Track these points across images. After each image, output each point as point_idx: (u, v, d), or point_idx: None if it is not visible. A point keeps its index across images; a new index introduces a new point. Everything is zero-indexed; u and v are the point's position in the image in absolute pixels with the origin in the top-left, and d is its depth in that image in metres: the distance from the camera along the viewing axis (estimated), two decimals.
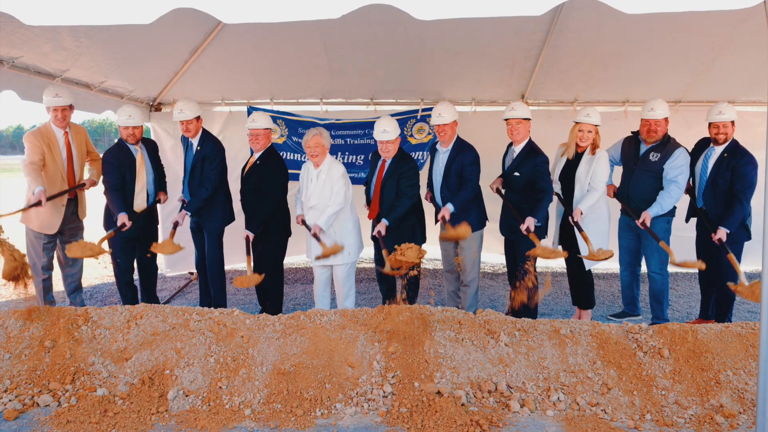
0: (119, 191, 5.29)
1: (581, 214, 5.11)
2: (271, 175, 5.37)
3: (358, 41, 5.89)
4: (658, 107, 5.24)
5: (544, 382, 3.65)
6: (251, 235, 5.24)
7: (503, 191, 5.50)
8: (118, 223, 5.08)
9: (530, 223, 4.97)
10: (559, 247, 5.55)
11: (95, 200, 5.92)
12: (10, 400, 3.53)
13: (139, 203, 5.42)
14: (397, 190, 5.14)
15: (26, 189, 5.28)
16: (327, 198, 5.06)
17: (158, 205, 5.84)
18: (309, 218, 5.11)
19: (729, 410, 3.43)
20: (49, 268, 5.50)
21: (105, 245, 4.92)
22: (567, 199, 5.32)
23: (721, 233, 5.00)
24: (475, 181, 5.22)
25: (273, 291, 5.67)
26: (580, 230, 5.04)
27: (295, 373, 3.68)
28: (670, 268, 5.27)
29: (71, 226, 5.54)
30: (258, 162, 5.45)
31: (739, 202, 5.00)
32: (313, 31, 5.63)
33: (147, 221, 5.60)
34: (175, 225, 5.38)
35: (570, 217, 5.15)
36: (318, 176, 5.08)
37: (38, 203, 4.98)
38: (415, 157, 7.08)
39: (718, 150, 5.18)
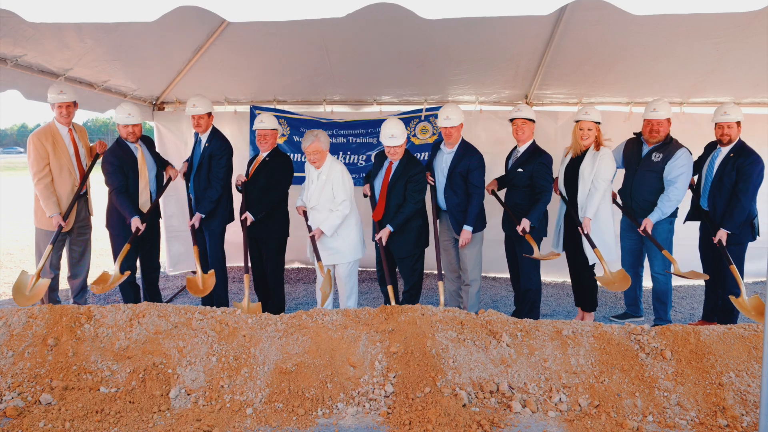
0: (125, 193, 5.33)
1: (590, 221, 5.17)
2: (279, 171, 5.41)
3: (362, 42, 5.89)
4: (661, 108, 5.27)
5: (546, 382, 3.65)
6: (250, 217, 5.25)
7: (498, 193, 5.57)
8: (132, 228, 5.17)
9: (525, 224, 5.08)
10: (562, 253, 5.58)
11: (98, 199, 5.94)
12: (12, 398, 3.54)
13: (143, 202, 5.45)
14: (404, 194, 5.14)
15: (36, 201, 5.41)
16: (327, 200, 5.06)
17: (161, 205, 5.88)
18: (312, 219, 5.13)
19: (731, 412, 3.42)
20: (56, 267, 5.55)
21: (117, 268, 5.06)
22: (571, 199, 5.33)
23: (721, 234, 5.02)
24: (482, 187, 5.28)
25: (275, 291, 5.70)
26: (593, 246, 5.12)
27: (296, 372, 3.68)
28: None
29: (81, 224, 5.62)
30: (267, 159, 5.49)
31: (738, 201, 5.03)
32: (317, 32, 5.63)
33: (150, 219, 5.61)
34: (193, 230, 5.43)
35: (580, 228, 5.19)
36: (318, 177, 5.09)
37: (60, 228, 5.24)
38: (419, 158, 7.08)
39: (724, 150, 5.22)
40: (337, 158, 7.25)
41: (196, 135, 5.64)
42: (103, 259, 8.86)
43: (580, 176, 5.23)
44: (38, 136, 5.32)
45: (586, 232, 5.16)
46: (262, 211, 5.33)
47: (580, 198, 5.24)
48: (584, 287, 5.53)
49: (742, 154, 5.11)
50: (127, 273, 5.14)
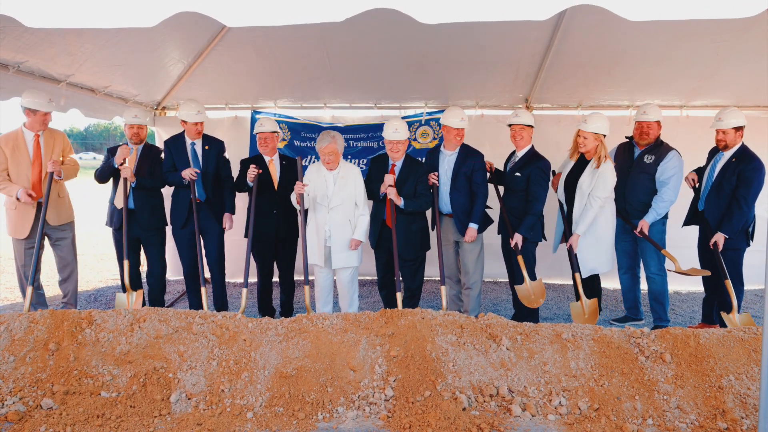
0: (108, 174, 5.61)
1: (578, 238, 5.21)
2: (295, 176, 5.41)
3: (362, 47, 5.92)
4: (651, 111, 5.37)
5: (546, 386, 3.65)
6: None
7: (500, 191, 5.56)
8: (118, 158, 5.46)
9: (518, 239, 5.10)
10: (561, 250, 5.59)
11: (98, 199, 5.95)
12: (13, 403, 3.55)
13: (117, 199, 5.49)
14: (415, 193, 5.20)
15: (7, 210, 5.39)
16: (349, 200, 5.09)
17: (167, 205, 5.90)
18: (330, 220, 5.11)
19: (731, 415, 3.43)
20: (30, 277, 5.18)
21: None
22: (569, 205, 5.33)
23: (718, 237, 5.04)
24: (486, 187, 5.34)
25: (288, 294, 5.95)
26: (575, 270, 5.14)
27: (297, 376, 3.69)
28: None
29: (52, 228, 5.50)
30: (284, 163, 5.65)
31: (739, 207, 5.03)
32: (317, 36, 5.66)
33: (151, 219, 5.68)
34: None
35: (567, 243, 5.23)
36: (336, 180, 5.10)
37: (39, 208, 5.18)
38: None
39: (726, 155, 5.22)
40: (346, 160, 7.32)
41: (180, 142, 5.60)
42: (104, 264, 8.89)
43: (578, 188, 5.22)
44: None
45: (574, 251, 5.17)
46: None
47: (575, 212, 5.24)
48: (589, 291, 5.52)
49: (744, 159, 5.10)
50: (140, 291, 5.26)
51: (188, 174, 5.39)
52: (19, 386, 3.65)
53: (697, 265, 5.51)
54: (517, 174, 5.27)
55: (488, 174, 5.52)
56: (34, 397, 3.59)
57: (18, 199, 5.16)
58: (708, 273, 5.20)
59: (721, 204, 5.15)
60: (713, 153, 5.45)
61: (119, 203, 5.46)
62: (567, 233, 5.27)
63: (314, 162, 5.37)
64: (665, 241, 5.47)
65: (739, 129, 5.15)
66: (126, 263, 5.24)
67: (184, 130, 5.60)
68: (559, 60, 6.06)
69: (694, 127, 6.74)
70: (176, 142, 5.60)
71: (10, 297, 6.99)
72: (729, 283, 4.89)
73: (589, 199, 5.13)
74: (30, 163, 5.29)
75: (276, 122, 5.79)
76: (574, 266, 5.13)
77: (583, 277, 5.20)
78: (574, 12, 5.08)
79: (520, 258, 5.11)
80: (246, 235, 5.33)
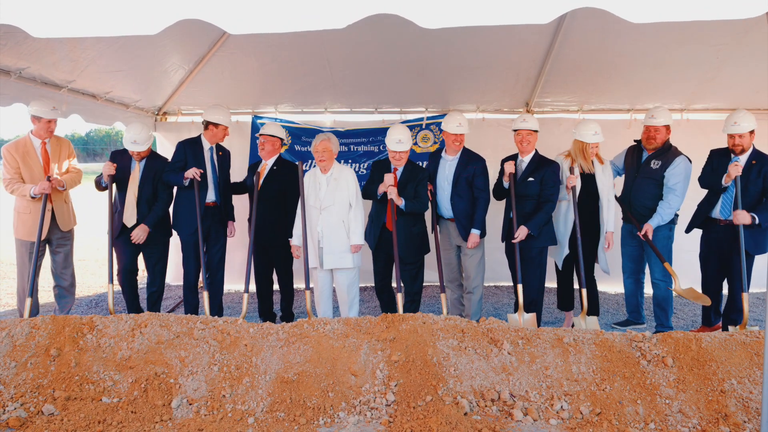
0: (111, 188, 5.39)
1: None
2: (293, 180, 5.35)
3: (363, 51, 5.92)
4: (659, 115, 5.34)
5: (548, 390, 3.65)
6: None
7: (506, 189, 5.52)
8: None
9: (522, 233, 5.04)
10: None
11: (100, 205, 5.93)
12: (15, 408, 3.55)
13: (129, 216, 5.34)
14: (415, 195, 5.20)
15: (15, 213, 5.45)
16: (342, 200, 5.07)
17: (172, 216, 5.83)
18: (322, 221, 5.11)
19: (734, 419, 3.42)
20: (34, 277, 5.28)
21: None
22: (581, 211, 5.30)
23: (746, 217, 4.92)
24: (488, 192, 5.32)
25: (286, 297, 5.94)
26: (583, 285, 5.15)
27: (298, 381, 3.69)
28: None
29: (57, 235, 5.56)
30: (275, 168, 5.60)
31: None
32: (318, 41, 5.66)
33: (160, 235, 5.57)
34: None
35: (605, 247, 5.30)
36: (329, 182, 5.10)
37: (47, 189, 5.16)
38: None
39: (742, 158, 5.12)
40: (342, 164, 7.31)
41: (201, 145, 5.59)
42: (105, 269, 8.88)
43: (600, 193, 5.26)
44: (8, 148, 5.39)
45: (609, 248, 5.28)
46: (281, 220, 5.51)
47: (603, 213, 5.28)
48: (588, 293, 5.49)
49: (764, 159, 5.07)
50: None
51: (192, 173, 5.27)
52: (21, 392, 3.65)
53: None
54: (530, 179, 5.20)
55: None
56: (35, 402, 3.59)
57: (33, 197, 5.23)
58: (708, 302, 5.11)
59: (751, 206, 5.08)
60: (718, 156, 5.34)
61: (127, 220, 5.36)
62: (595, 233, 5.31)
63: (314, 166, 5.36)
64: (671, 248, 5.41)
65: (752, 132, 5.12)
66: (110, 287, 5.03)
67: (200, 135, 5.62)
68: (559, 64, 6.06)
69: (694, 130, 6.74)
70: (193, 146, 5.54)
71: (11, 303, 6.99)
72: (746, 296, 4.78)
73: (607, 197, 5.26)
74: (42, 169, 5.40)
75: (280, 128, 5.75)
76: (581, 280, 5.10)
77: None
78: (575, 16, 5.09)
79: (519, 286, 5.04)
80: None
